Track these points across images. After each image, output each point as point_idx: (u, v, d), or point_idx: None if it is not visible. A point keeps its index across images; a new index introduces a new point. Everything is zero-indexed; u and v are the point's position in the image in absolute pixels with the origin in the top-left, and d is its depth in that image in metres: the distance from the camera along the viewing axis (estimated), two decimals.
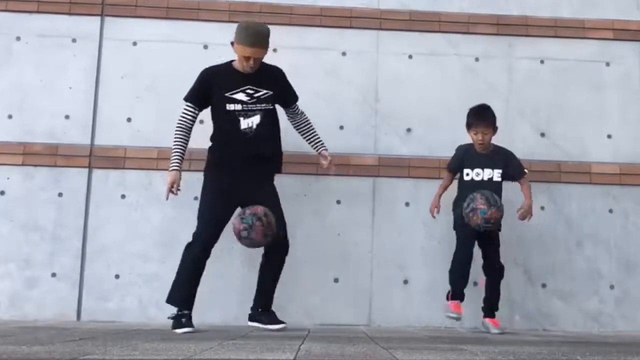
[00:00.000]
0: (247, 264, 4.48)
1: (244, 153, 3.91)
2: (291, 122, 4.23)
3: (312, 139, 4.20)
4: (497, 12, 4.94)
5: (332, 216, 4.65)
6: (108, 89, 4.70)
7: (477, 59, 4.89)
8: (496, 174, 4.23)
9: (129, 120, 4.68)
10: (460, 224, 4.18)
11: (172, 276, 4.50)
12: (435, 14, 4.90)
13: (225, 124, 3.95)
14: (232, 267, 4.53)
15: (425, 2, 4.93)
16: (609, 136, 4.86)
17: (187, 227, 4.54)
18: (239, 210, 3.85)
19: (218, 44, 4.75)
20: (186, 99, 4.00)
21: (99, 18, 4.76)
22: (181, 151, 3.94)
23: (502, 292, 4.59)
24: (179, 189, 3.95)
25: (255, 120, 3.94)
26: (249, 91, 3.94)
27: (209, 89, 3.96)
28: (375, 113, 4.79)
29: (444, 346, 2.99)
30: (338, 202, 4.67)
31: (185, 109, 3.99)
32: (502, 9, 4.95)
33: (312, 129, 4.21)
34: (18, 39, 4.71)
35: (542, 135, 4.84)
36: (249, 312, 4.08)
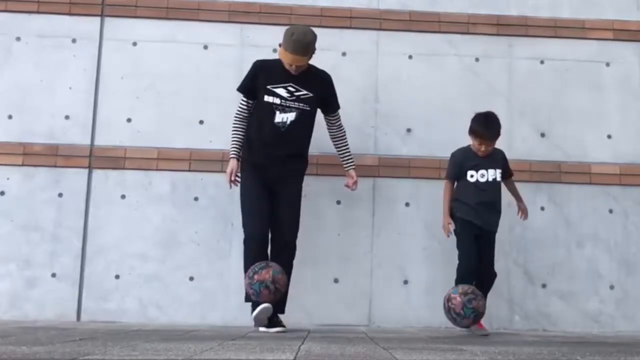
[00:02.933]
0: None
1: (273, 146, 4.00)
2: (328, 130, 4.31)
3: (343, 154, 4.30)
4: (497, 12, 4.94)
5: (332, 216, 4.65)
6: (108, 89, 4.70)
7: (477, 59, 4.89)
8: (498, 174, 4.22)
9: (129, 120, 4.68)
10: (461, 230, 4.18)
11: (172, 276, 4.53)
12: (435, 14, 4.90)
13: (261, 114, 4.05)
14: (232, 267, 4.53)
15: (425, 2, 4.93)
16: (609, 136, 4.86)
17: (187, 227, 4.57)
18: (250, 270, 3.82)
19: (218, 44, 4.76)
20: (239, 90, 4.15)
21: (99, 18, 4.76)
22: (239, 140, 4.09)
23: (502, 292, 4.61)
24: (237, 177, 4.07)
25: (290, 116, 4.02)
26: (290, 88, 4.04)
27: (256, 79, 4.08)
28: (375, 113, 4.79)
29: (444, 346, 2.99)
30: (338, 202, 4.67)
31: (240, 102, 4.14)
32: (502, 9, 4.95)
33: (345, 144, 4.30)
34: (18, 39, 4.71)
35: (542, 135, 4.84)
36: None
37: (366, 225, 4.66)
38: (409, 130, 4.80)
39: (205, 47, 4.77)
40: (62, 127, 4.64)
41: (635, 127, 4.88)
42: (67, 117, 4.65)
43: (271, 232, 4.06)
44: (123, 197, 4.59)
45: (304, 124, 4.07)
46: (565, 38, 4.94)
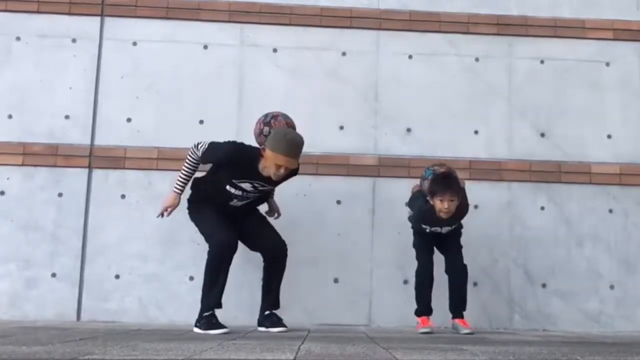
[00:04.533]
0: (247, 265, 4.47)
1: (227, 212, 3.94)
2: None
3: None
4: (497, 12, 4.94)
5: (332, 216, 4.65)
6: (108, 89, 4.70)
7: (477, 59, 4.89)
8: (453, 226, 4.14)
9: (128, 120, 4.68)
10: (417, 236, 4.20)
11: (172, 276, 4.53)
12: (435, 14, 4.90)
13: (217, 193, 3.90)
14: (231, 266, 4.52)
15: (425, 2, 4.93)
16: (609, 136, 4.86)
17: (187, 227, 4.56)
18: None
19: (218, 44, 4.76)
20: (202, 159, 3.88)
21: (99, 18, 4.76)
22: (187, 180, 3.93)
23: (502, 292, 4.61)
24: (169, 214, 3.99)
25: (247, 201, 3.96)
26: (255, 184, 3.88)
27: (225, 165, 3.84)
28: (375, 113, 4.79)
29: (444, 346, 2.99)
30: (338, 202, 4.67)
31: (192, 157, 3.88)
32: (502, 9, 4.95)
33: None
34: (18, 39, 4.71)
35: (542, 135, 4.84)
36: (258, 317, 4.08)
37: (366, 225, 4.66)
38: (409, 130, 4.79)
39: (205, 47, 4.77)
40: (62, 127, 4.64)
41: (635, 127, 4.88)
42: (67, 117, 4.65)
43: (259, 248, 4.06)
44: (123, 197, 4.59)
45: (259, 201, 4.05)
46: (565, 38, 4.94)
